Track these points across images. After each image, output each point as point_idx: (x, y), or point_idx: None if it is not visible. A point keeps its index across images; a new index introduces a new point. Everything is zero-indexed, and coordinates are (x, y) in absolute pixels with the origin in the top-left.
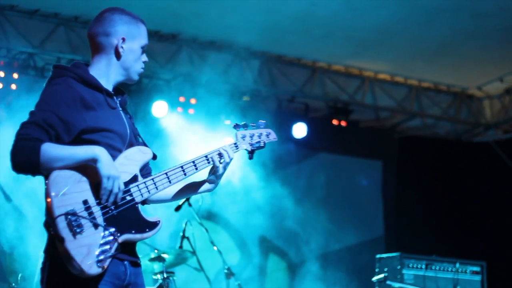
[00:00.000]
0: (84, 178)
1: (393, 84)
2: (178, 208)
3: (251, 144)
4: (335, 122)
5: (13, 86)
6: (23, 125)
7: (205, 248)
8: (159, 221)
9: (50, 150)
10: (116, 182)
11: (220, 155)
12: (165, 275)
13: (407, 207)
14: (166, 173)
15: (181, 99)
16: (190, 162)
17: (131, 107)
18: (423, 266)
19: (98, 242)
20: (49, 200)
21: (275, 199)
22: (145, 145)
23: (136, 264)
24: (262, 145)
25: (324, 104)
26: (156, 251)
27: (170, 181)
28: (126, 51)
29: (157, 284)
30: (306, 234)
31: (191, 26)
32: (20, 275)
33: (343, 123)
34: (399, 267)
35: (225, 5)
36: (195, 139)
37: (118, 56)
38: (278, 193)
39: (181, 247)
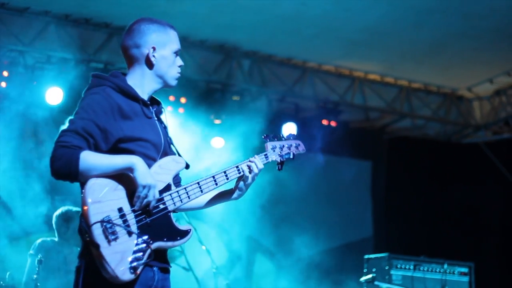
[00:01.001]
0: (120, 186)
1: (383, 84)
2: None
3: (281, 156)
4: (325, 122)
5: (3, 84)
6: (63, 133)
7: (194, 247)
8: (190, 229)
9: (89, 158)
10: (152, 191)
11: (250, 165)
12: None
13: (396, 207)
14: (198, 183)
15: (171, 98)
16: (221, 172)
17: (165, 117)
18: (411, 267)
19: (132, 249)
20: (85, 207)
21: (263, 199)
22: (178, 154)
23: (165, 270)
24: (291, 157)
25: (314, 104)
26: None
27: (202, 191)
28: (158, 59)
29: None
30: (295, 234)
31: (181, 25)
32: (8, 273)
33: (333, 123)
34: (387, 267)
35: (215, 4)
36: (185, 138)
37: (150, 65)
38: (267, 193)
39: None
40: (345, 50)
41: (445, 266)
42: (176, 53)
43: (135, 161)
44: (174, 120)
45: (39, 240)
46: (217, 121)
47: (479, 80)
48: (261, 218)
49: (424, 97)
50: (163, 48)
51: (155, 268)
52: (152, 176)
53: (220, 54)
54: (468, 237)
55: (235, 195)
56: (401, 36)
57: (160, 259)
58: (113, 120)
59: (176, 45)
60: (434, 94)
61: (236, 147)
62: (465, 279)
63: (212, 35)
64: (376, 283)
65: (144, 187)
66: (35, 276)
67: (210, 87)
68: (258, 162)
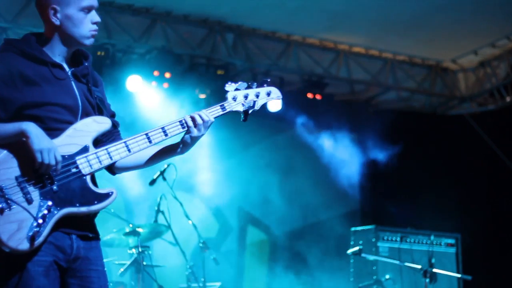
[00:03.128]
0: (19, 154)
1: (368, 57)
2: (152, 182)
3: (243, 105)
4: (310, 95)
5: None
6: None
7: (181, 222)
8: (112, 192)
9: None
10: (51, 154)
11: (193, 116)
12: (140, 249)
13: (383, 180)
14: (124, 142)
15: (156, 73)
16: (158, 129)
17: (94, 76)
18: (398, 239)
19: (31, 217)
20: None
21: (251, 172)
22: (109, 114)
23: (87, 237)
24: (253, 105)
25: (299, 78)
26: (130, 225)
27: (129, 150)
28: (62, 20)
29: (132, 258)
30: (283, 207)
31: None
32: None
33: (318, 97)
34: (374, 239)
35: None
36: (170, 113)
37: (55, 27)
38: (254, 166)
39: (156, 221)
40: (329, 23)
41: (432, 237)
42: (86, 10)
43: (25, 127)
44: (159, 95)
45: None
46: (202, 96)
47: (464, 51)
48: (250, 190)
49: (409, 69)
50: (66, 7)
51: (73, 236)
52: (48, 139)
53: (204, 28)
54: (455, 208)
55: (179, 149)
56: (385, 8)
57: (79, 226)
58: (13, 87)
59: (84, 1)
60: (419, 66)
61: (221, 121)
62: (452, 250)
63: (196, 9)
64: (363, 255)
65: (40, 151)
66: None
67: (194, 61)
68: (204, 114)
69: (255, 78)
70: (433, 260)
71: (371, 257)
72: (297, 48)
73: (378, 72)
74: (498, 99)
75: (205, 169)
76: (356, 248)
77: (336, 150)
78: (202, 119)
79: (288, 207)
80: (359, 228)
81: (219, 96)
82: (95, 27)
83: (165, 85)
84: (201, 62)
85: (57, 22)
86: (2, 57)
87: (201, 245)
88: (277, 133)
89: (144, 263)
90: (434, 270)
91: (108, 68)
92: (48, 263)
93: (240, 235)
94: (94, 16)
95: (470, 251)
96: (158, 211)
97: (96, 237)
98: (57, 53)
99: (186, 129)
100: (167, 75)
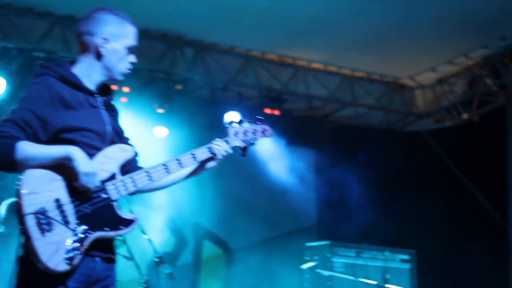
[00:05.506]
0: (58, 177)
1: (326, 73)
2: None
3: (244, 141)
4: (268, 111)
5: None
6: (2, 123)
7: (136, 236)
8: (135, 218)
9: (26, 148)
10: (94, 178)
11: (211, 150)
12: None
13: (340, 195)
14: (146, 171)
15: (114, 87)
16: (174, 160)
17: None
18: (353, 254)
19: (69, 240)
20: (20, 198)
21: (207, 187)
22: (128, 143)
23: (109, 260)
24: (254, 142)
25: (258, 93)
26: None
27: (150, 179)
28: (109, 51)
29: None
30: (240, 221)
31: (124, 13)
32: None
33: (276, 112)
34: (329, 255)
35: None
36: (128, 127)
37: (100, 56)
38: (211, 181)
39: None
40: (289, 39)
41: (386, 253)
42: (130, 49)
43: (72, 151)
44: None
45: None
46: (160, 110)
47: (422, 69)
48: (206, 204)
49: (367, 85)
50: (115, 41)
51: (97, 258)
52: (92, 164)
53: (164, 43)
54: (410, 224)
55: (191, 174)
56: (343, 25)
57: (103, 249)
58: (54, 110)
59: (130, 41)
60: (377, 82)
61: (180, 136)
62: (407, 266)
63: (155, 24)
64: (318, 270)
65: (86, 175)
66: None
67: (153, 76)
68: (224, 146)
69: (214, 93)
70: (387, 276)
71: (326, 273)
72: (256, 63)
73: (337, 88)
74: (455, 116)
75: None
76: (311, 264)
77: (294, 166)
78: (221, 153)
79: (245, 222)
80: (314, 244)
81: (178, 111)
82: (130, 66)
83: (123, 99)
84: (160, 77)
85: (104, 53)
86: (43, 81)
87: (156, 259)
88: (235, 149)
89: None
90: (388, 286)
91: None
92: (74, 285)
93: (195, 250)
94: (133, 57)
95: (425, 267)
96: None
97: (115, 258)
98: (92, 81)
99: (196, 160)
100: (126, 89)
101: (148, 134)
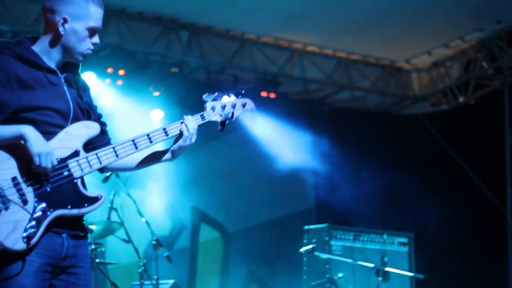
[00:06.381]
0: (16, 156)
1: (322, 56)
2: (105, 179)
3: (221, 115)
4: (264, 94)
5: None
6: None
7: (134, 219)
8: (101, 196)
9: None
10: (48, 157)
11: (181, 128)
12: (93, 246)
13: (337, 179)
14: (113, 148)
15: (109, 70)
16: (143, 136)
17: (82, 81)
18: (351, 238)
19: (27, 218)
20: None
21: (204, 170)
22: (98, 120)
23: (77, 236)
24: (230, 116)
25: (253, 76)
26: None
27: (117, 155)
28: (68, 31)
29: None
30: (239, 205)
31: None
32: None
33: (272, 95)
34: (327, 238)
35: None
36: (123, 110)
37: (59, 35)
38: (208, 164)
39: (109, 218)
40: (284, 22)
41: (385, 236)
42: (91, 30)
43: (24, 130)
44: (113, 92)
45: None
46: (156, 93)
47: (417, 52)
48: (204, 187)
49: (363, 68)
50: (76, 22)
51: (64, 235)
52: (46, 143)
53: (158, 26)
54: (407, 207)
55: (168, 156)
56: (339, 8)
57: (70, 226)
58: (9, 90)
59: (93, 22)
60: (373, 66)
61: (175, 119)
62: (405, 249)
63: (150, 6)
64: (316, 253)
65: (38, 155)
66: None
67: (148, 59)
68: (191, 122)
69: (209, 76)
70: (385, 259)
71: (324, 256)
72: (252, 46)
73: (332, 71)
74: (451, 99)
75: (159, 167)
76: (309, 247)
77: (291, 149)
78: (188, 130)
79: (242, 205)
80: (312, 227)
81: (173, 93)
82: (92, 47)
83: (119, 82)
84: (155, 60)
85: (63, 32)
86: None
87: (154, 242)
88: (231, 132)
89: (97, 260)
90: (387, 269)
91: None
92: (39, 263)
93: (193, 233)
94: (96, 37)
95: (423, 250)
96: (111, 208)
97: (85, 235)
98: (52, 59)
99: (168, 136)
100: (121, 72)
101: (144, 117)
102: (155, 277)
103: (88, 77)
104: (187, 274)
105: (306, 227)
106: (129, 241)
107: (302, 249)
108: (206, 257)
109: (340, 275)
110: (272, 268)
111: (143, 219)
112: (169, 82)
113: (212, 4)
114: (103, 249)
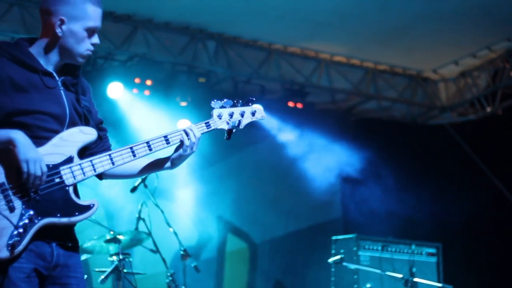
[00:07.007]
0: (3, 161)
1: (349, 66)
2: (133, 190)
3: (228, 123)
4: (291, 104)
5: None
6: None
7: (161, 230)
8: (93, 204)
9: None
10: (37, 164)
11: (187, 134)
12: (121, 257)
13: (364, 189)
14: (109, 155)
15: (137, 80)
16: (142, 143)
17: (82, 84)
18: (379, 248)
19: (12, 225)
20: None
21: (231, 181)
22: (98, 125)
23: (66, 247)
24: (237, 124)
25: (280, 86)
26: (111, 232)
27: (113, 163)
28: (65, 33)
29: (113, 266)
30: (265, 215)
31: (146, 7)
32: None
33: (299, 105)
34: (355, 248)
35: None
36: (150, 120)
37: (57, 37)
38: (234, 175)
39: (136, 228)
40: (311, 32)
41: (413, 247)
42: (90, 31)
43: (13, 136)
44: (140, 102)
45: None
46: (183, 103)
47: (445, 61)
48: (230, 198)
49: (390, 79)
50: (73, 23)
51: (53, 244)
52: (35, 149)
53: (186, 36)
54: (435, 217)
55: (168, 164)
56: (366, 18)
57: (59, 235)
58: (2, 93)
59: (92, 22)
60: (400, 76)
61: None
62: (433, 259)
63: (177, 17)
64: (344, 264)
65: (26, 161)
66: None
67: (175, 69)
68: (195, 131)
69: (236, 86)
70: (414, 269)
71: (352, 266)
72: (279, 56)
73: (359, 81)
74: (479, 109)
75: (186, 178)
76: (338, 257)
77: (318, 159)
78: (195, 137)
79: (269, 216)
80: (340, 237)
81: (200, 104)
82: (92, 47)
83: (146, 92)
84: (183, 70)
85: (60, 34)
86: None
87: (182, 252)
88: (258, 142)
89: (125, 270)
90: (415, 279)
91: (89, 75)
92: (28, 270)
93: (219, 244)
94: (96, 38)
95: (452, 261)
96: (139, 218)
97: (75, 246)
98: (50, 61)
99: (170, 144)
100: (148, 82)
101: (171, 127)
102: (183, 287)
103: (116, 86)
104: (214, 284)
105: (334, 237)
106: (156, 251)
107: (330, 260)
108: (232, 267)
109: (368, 285)
110: (299, 279)
111: (171, 229)
112: (196, 92)
113: (239, 14)
114: (131, 259)
